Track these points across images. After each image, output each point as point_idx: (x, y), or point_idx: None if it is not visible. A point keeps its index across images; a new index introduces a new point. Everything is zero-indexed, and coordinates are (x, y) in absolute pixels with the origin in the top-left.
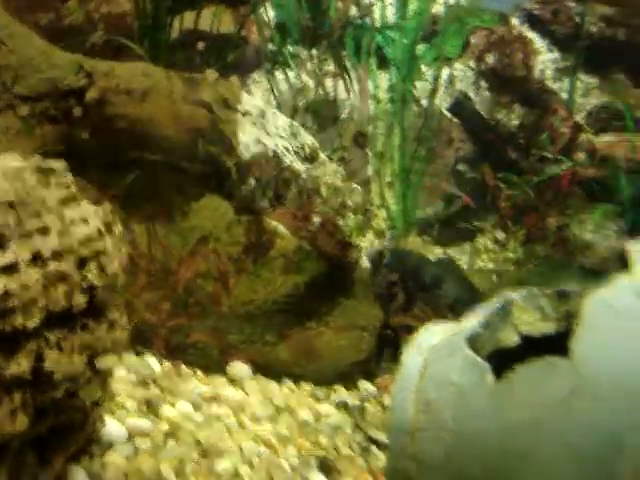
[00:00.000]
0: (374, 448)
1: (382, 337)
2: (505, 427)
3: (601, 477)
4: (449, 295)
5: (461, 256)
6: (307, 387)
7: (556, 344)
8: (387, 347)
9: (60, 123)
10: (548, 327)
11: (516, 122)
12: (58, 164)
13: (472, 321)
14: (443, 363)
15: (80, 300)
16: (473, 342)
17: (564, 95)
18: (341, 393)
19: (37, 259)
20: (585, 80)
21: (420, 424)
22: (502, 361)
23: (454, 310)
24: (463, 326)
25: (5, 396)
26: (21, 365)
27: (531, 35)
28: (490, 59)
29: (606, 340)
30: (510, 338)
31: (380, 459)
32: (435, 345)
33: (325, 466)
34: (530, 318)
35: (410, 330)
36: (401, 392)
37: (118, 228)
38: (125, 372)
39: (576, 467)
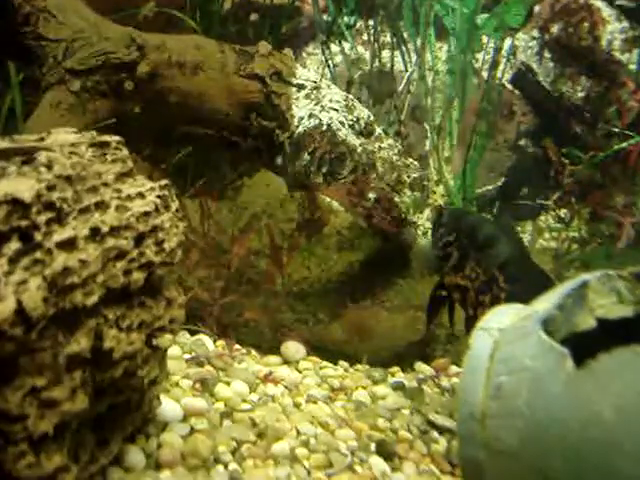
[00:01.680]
0: (434, 432)
1: (436, 297)
2: (588, 416)
3: None
4: (500, 255)
5: (523, 235)
6: (362, 368)
7: (633, 328)
8: (440, 307)
9: (111, 97)
10: (625, 311)
11: (581, 95)
12: (113, 138)
13: (545, 304)
14: (515, 346)
15: (138, 276)
16: (547, 325)
17: (633, 67)
18: (397, 374)
19: (95, 235)
20: None
21: (491, 410)
22: (577, 343)
23: (503, 271)
24: (535, 308)
25: (65, 374)
26: (81, 343)
27: (598, 4)
28: (555, 29)
29: None
30: (586, 322)
31: (441, 444)
32: (506, 327)
33: (384, 450)
34: (606, 301)
35: (461, 290)
36: (470, 375)
37: (175, 204)
38: (179, 350)
39: None
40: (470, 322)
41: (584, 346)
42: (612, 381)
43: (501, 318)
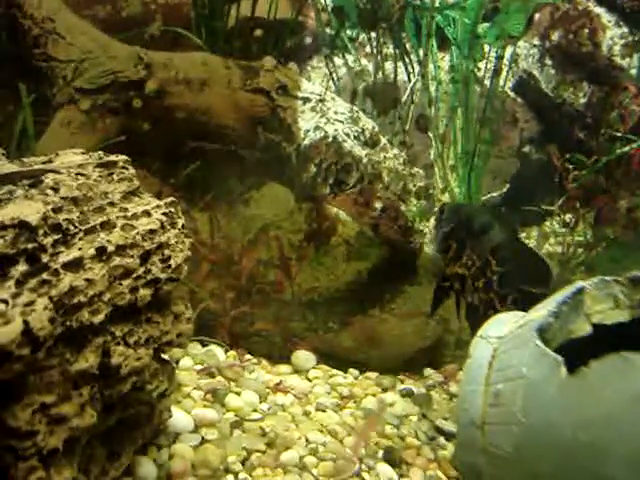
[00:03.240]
0: (441, 438)
1: (440, 288)
2: (579, 422)
3: None
4: (493, 240)
5: (528, 240)
6: (372, 375)
7: (631, 332)
8: (444, 298)
9: (121, 115)
10: (622, 315)
11: (583, 100)
12: (120, 157)
13: (542, 311)
14: (512, 354)
15: (145, 293)
16: (543, 333)
17: (634, 71)
18: (406, 381)
19: (101, 254)
20: None
21: (489, 417)
22: (574, 349)
23: (495, 254)
24: (532, 316)
25: (73, 391)
26: (88, 360)
27: (598, 10)
28: (555, 36)
29: None
30: (582, 328)
31: (448, 449)
32: (504, 335)
33: (392, 457)
34: (602, 307)
35: (461, 279)
36: (469, 383)
37: (181, 220)
38: (191, 362)
39: None
40: (469, 310)
41: (584, 352)
42: (602, 387)
43: (500, 326)
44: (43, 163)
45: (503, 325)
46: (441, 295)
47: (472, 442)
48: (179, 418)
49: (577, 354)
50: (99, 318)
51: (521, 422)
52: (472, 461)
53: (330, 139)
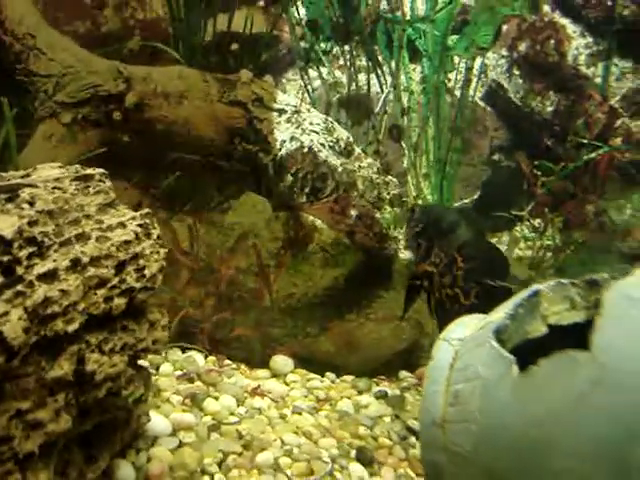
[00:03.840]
0: (412, 438)
1: (410, 287)
2: (528, 419)
3: (619, 467)
4: (459, 238)
5: (499, 245)
6: (348, 378)
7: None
8: (415, 296)
9: (101, 127)
10: (578, 316)
11: (550, 109)
12: (97, 171)
13: (500, 313)
14: (471, 355)
15: (119, 302)
16: (500, 334)
17: (598, 80)
18: (382, 384)
19: (76, 265)
20: (619, 64)
21: (449, 416)
22: (534, 351)
23: (461, 252)
24: (492, 318)
25: (49, 397)
26: (63, 368)
27: (563, 21)
28: (523, 47)
29: (624, 329)
30: (538, 329)
31: (418, 448)
32: (465, 337)
33: (364, 456)
34: (559, 308)
35: (429, 276)
36: (432, 384)
37: (156, 231)
38: (170, 368)
39: (595, 456)
40: (436, 306)
41: (543, 353)
42: (549, 384)
43: (462, 329)
44: (21, 177)
45: (465, 328)
46: (412, 293)
47: (433, 441)
48: (157, 422)
49: (537, 355)
50: (73, 327)
51: (478, 420)
52: (434, 459)
53: (306, 149)
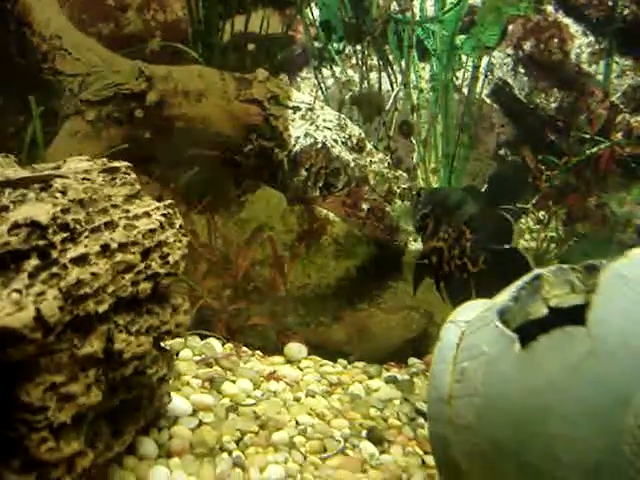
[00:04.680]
0: (421, 419)
1: (418, 266)
2: (528, 389)
3: (610, 431)
4: (466, 213)
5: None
6: (360, 365)
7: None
8: (424, 275)
9: (124, 125)
10: (578, 299)
11: (554, 105)
12: (122, 164)
13: (503, 296)
14: (476, 335)
15: (145, 286)
16: (504, 315)
17: (600, 77)
18: (392, 369)
19: (105, 250)
20: (620, 62)
21: (455, 392)
22: (535, 331)
23: (469, 225)
24: (496, 300)
25: (80, 373)
26: (94, 345)
27: (566, 21)
28: (527, 46)
29: (618, 305)
30: (539, 311)
31: (426, 428)
32: (471, 319)
33: (374, 435)
34: (560, 292)
35: (438, 252)
36: (439, 363)
37: (178, 221)
38: (190, 353)
39: (588, 421)
40: (445, 279)
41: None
42: (547, 358)
43: (469, 312)
44: (52, 169)
45: (472, 311)
46: (421, 272)
47: (440, 416)
48: (178, 403)
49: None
50: (103, 308)
51: (481, 394)
52: (440, 432)
53: (319, 145)
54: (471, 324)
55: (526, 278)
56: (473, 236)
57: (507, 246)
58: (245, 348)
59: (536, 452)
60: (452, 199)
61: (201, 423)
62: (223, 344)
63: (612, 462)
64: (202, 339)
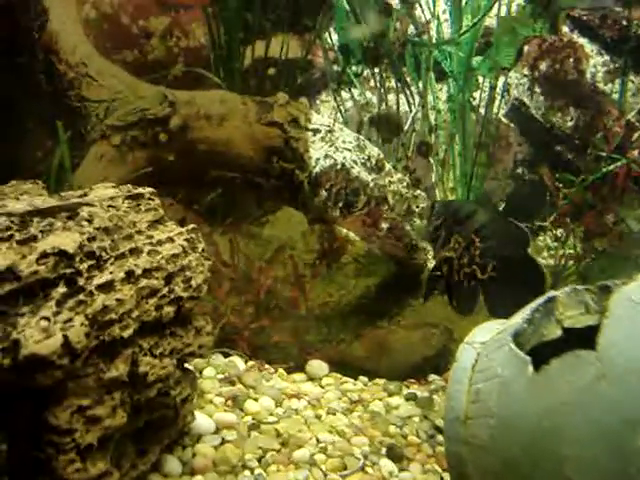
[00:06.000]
0: (440, 436)
1: (432, 278)
2: (540, 411)
3: (619, 453)
4: (477, 222)
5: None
6: (380, 382)
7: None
8: (435, 286)
9: (148, 148)
10: (592, 320)
11: (571, 124)
12: (147, 190)
13: (518, 318)
14: (491, 357)
15: (169, 310)
16: (518, 337)
17: (615, 96)
18: (412, 386)
19: (130, 277)
20: (635, 80)
21: (471, 412)
22: (549, 352)
23: (478, 234)
24: (511, 322)
25: (106, 396)
26: (119, 369)
27: (581, 41)
28: (543, 66)
29: (627, 329)
30: (554, 332)
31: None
32: (486, 341)
33: (394, 453)
34: (574, 313)
35: (449, 262)
36: (455, 384)
37: (201, 244)
38: (213, 371)
39: (597, 443)
40: (454, 290)
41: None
42: (559, 380)
43: (484, 333)
44: (79, 197)
45: (487, 332)
46: (432, 283)
47: (456, 435)
48: (202, 421)
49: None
50: (128, 332)
51: (496, 414)
52: (457, 451)
53: (339, 166)
54: (486, 346)
55: (540, 300)
56: (482, 244)
57: (525, 252)
58: (267, 365)
59: (547, 472)
60: (464, 210)
61: (224, 441)
62: (246, 362)
63: None
64: (225, 357)
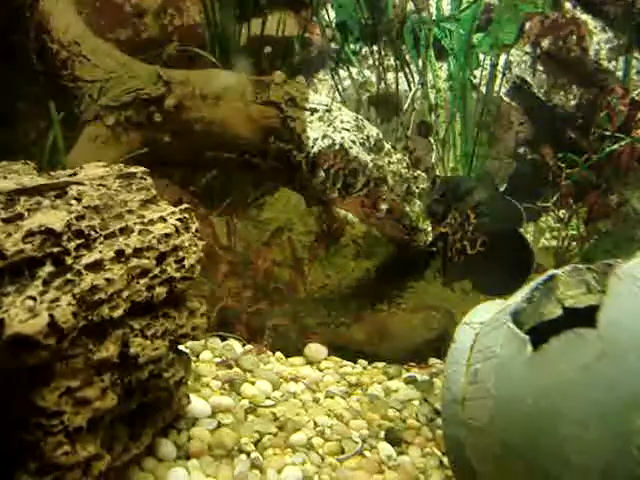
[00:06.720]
0: (439, 420)
1: (428, 253)
2: (538, 391)
3: (620, 433)
4: (474, 199)
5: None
6: (379, 365)
7: None
8: (430, 261)
9: (143, 129)
10: (594, 299)
11: (574, 102)
12: (139, 169)
13: (517, 298)
14: (489, 337)
15: (160, 291)
16: (517, 316)
17: (619, 73)
18: (412, 370)
19: (120, 256)
20: (639, 58)
21: (469, 394)
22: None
23: (475, 210)
24: (510, 302)
25: (96, 377)
26: (109, 350)
27: (584, 17)
28: (545, 43)
29: (628, 307)
30: (553, 312)
31: None
32: (485, 321)
33: (392, 436)
34: (575, 292)
35: (444, 237)
36: (453, 365)
37: (194, 225)
38: (210, 355)
39: (598, 423)
40: (448, 265)
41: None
42: (558, 360)
43: (484, 313)
44: (68, 176)
45: (486, 312)
46: (428, 258)
47: (454, 417)
48: (198, 405)
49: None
50: (118, 313)
51: (494, 396)
52: (455, 434)
53: (337, 146)
54: (485, 326)
55: (540, 279)
56: (477, 220)
57: (516, 230)
58: (265, 349)
59: (546, 454)
60: (464, 186)
61: (220, 425)
62: (243, 345)
63: (622, 464)
64: (222, 340)
